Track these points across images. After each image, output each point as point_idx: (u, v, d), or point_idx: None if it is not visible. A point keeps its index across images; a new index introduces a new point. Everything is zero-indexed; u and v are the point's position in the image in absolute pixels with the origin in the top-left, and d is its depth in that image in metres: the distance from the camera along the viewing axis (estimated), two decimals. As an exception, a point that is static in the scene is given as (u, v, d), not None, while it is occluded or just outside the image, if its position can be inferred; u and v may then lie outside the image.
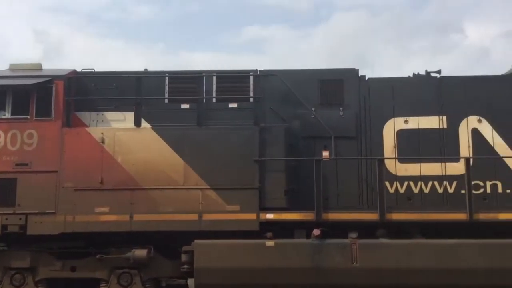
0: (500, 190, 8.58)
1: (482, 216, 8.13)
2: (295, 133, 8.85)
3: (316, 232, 8.10)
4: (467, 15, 29.47)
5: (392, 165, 8.77)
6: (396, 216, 8.26)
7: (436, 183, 8.68)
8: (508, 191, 8.56)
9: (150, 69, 9.40)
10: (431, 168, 8.71)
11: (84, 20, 31.53)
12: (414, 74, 9.36)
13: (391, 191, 8.70)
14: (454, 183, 8.56)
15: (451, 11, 28.86)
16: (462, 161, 8.47)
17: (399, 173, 8.75)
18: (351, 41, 28.85)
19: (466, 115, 8.81)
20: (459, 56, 26.93)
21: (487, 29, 28.71)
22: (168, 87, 9.06)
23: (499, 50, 26.43)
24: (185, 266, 8.21)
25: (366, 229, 8.25)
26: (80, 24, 31.66)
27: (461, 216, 8.14)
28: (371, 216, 8.27)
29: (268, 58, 29.42)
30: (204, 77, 9.04)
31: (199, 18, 31.38)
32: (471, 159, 8.43)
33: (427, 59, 27.38)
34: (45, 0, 30.85)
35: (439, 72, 9.32)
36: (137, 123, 8.70)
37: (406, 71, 34.69)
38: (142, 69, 9.35)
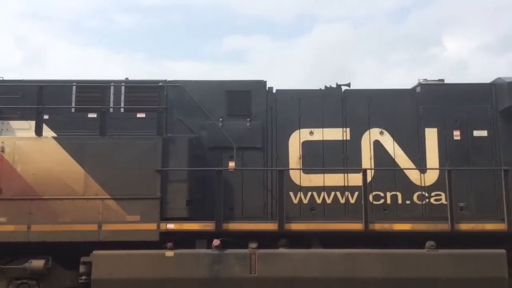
0: (400, 201, 8.82)
1: (378, 226, 8.33)
2: (201, 144, 8.91)
3: (215, 242, 8.15)
4: (446, 29, 30.28)
5: (297, 176, 8.91)
6: (295, 226, 8.38)
7: (338, 193, 8.86)
8: (408, 201, 8.81)
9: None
10: (334, 179, 8.89)
11: (66, 27, 31.04)
12: (326, 87, 9.57)
13: (295, 201, 8.84)
14: (356, 193, 8.75)
15: (431, 25, 29.63)
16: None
17: (303, 184, 8.90)
18: (333, 53, 29.23)
19: (369, 127, 9.05)
20: (438, 69, 27.62)
21: (465, 42, 29.58)
22: (76, 96, 9.01)
23: (477, 63, 27.28)
24: (83, 277, 8.13)
25: (272, 240, 8.37)
26: (61, 32, 31.15)
27: (358, 226, 8.32)
28: (271, 226, 8.37)
29: (250, 67, 29.49)
30: (112, 87, 9.02)
31: (182, 28, 31.26)
32: (369, 171, 8.65)
33: (406, 71, 27.93)
34: (26, 7, 30.10)
35: (348, 85, 9.56)
36: (38, 132, 8.59)
37: (386, 83, 35.68)
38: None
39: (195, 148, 8.75)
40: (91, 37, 31.41)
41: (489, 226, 8.33)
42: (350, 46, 29.89)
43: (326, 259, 8.13)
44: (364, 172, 8.48)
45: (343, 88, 9.48)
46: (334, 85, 9.48)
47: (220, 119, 9.01)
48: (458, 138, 8.98)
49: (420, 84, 9.28)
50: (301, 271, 8.07)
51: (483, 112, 9.07)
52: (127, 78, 9.26)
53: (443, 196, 8.66)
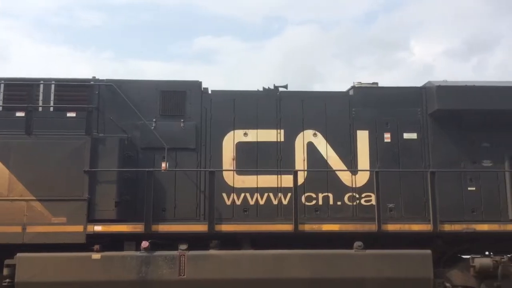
0: (331, 202, 8.92)
1: (307, 227, 8.41)
2: (134, 144, 8.80)
3: (144, 244, 8.05)
4: (413, 33, 30.89)
5: (230, 177, 8.90)
6: (226, 227, 8.38)
7: (271, 194, 8.89)
8: (339, 202, 8.92)
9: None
10: (268, 180, 8.91)
11: (30, 24, 30.09)
12: (264, 88, 9.59)
13: (228, 202, 8.83)
14: (289, 195, 8.79)
15: (398, 29, 30.19)
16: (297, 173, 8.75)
17: (237, 185, 8.89)
18: (302, 55, 29.39)
19: (303, 129, 9.12)
20: (405, 73, 28.17)
21: (431, 47, 30.23)
22: (4, 94, 8.75)
23: (442, 67, 27.91)
24: (7, 280, 7.90)
25: (204, 241, 8.34)
26: (25, 29, 30.16)
27: (288, 227, 8.37)
28: (201, 227, 8.34)
29: (219, 69, 29.32)
30: (42, 85, 8.80)
31: (150, 27, 30.72)
32: (301, 172, 8.73)
33: (373, 74, 28.31)
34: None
35: (285, 87, 9.61)
36: (-43, 131, 8.33)
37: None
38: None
39: (126, 149, 8.63)
40: (55, 35, 30.69)
41: (416, 227, 8.52)
42: (319, 48, 30.23)
43: (255, 260, 8.14)
44: (295, 173, 8.53)
45: (281, 89, 9.54)
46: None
47: (154, 120, 8.92)
48: (389, 140, 9.15)
49: (353, 87, 9.41)
50: (230, 272, 8.06)
51: (414, 115, 9.26)
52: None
53: (373, 197, 8.79)
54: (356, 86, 9.43)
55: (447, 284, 8.47)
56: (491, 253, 8.89)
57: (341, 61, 30.85)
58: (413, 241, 8.62)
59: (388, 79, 30.65)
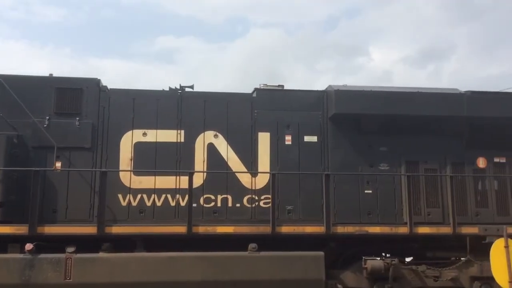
0: (230, 204, 8.86)
1: (202, 229, 8.32)
2: (24, 143, 8.44)
3: (28, 246, 7.72)
4: (372, 40, 31.43)
5: (127, 178, 8.69)
6: (117, 229, 8.16)
7: (169, 196, 8.75)
8: (238, 204, 8.87)
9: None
10: (165, 181, 8.76)
11: None
12: (170, 88, 9.44)
13: (124, 204, 8.61)
14: (187, 196, 8.67)
15: (359, 35, 30.63)
16: (196, 175, 8.64)
17: (133, 186, 8.68)
18: (266, 57, 29.30)
19: (204, 130, 9.03)
20: (365, 78, 28.66)
21: (389, 53, 30.86)
22: None
23: (400, 74, 28.50)
24: None
25: (97, 244, 8.09)
26: None
27: (182, 229, 8.25)
28: (91, 229, 8.09)
29: (180, 68, 28.70)
30: None
31: (111, 25, 29.71)
32: (200, 174, 8.65)
33: (334, 79, 28.47)
34: None
35: (192, 87, 9.50)
36: None
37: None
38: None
39: (15, 147, 8.26)
40: (12, 30, 29.31)
41: (309, 229, 8.58)
42: (283, 51, 30.36)
43: (145, 262, 7.97)
44: (191, 175, 8.41)
45: (187, 89, 9.42)
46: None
47: (47, 117, 8.60)
48: (290, 143, 9.20)
49: (256, 89, 9.40)
50: (119, 275, 7.85)
51: (315, 118, 9.34)
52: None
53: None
54: (260, 88, 9.44)
55: (339, 286, 8.57)
56: (386, 255, 9.10)
57: (304, 64, 31.14)
58: (312, 244, 8.69)
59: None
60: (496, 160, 9.51)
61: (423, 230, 8.78)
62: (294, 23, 31.36)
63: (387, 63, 30.15)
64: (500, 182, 9.50)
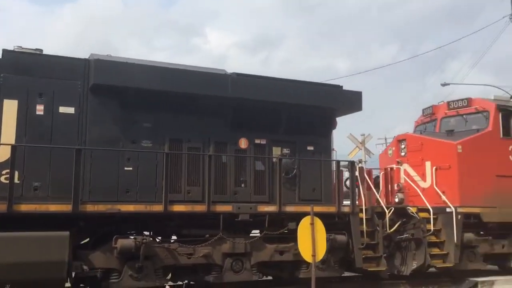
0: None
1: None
2: None
3: None
4: (209, 21, 30.01)
5: None
6: None
7: None
8: None
9: None
10: None
11: None
12: None
13: None
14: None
15: (196, 15, 28.95)
16: None
17: None
18: (100, 27, 25.93)
19: None
20: (201, 59, 27.35)
21: (225, 37, 29.88)
22: None
23: (234, 58, 27.73)
24: None
25: None
26: None
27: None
28: None
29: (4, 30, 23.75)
30: None
31: None
32: None
33: (170, 57, 26.48)
34: None
35: None
36: None
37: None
38: None
39: None
40: None
41: (53, 207, 7.91)
42: (117, 24, 27.79)
43: None
44: None
45: None
46: None
47: None
48: (41, 113, 8.38)
49: (4, 50, 8.33)
50: None
51: (74, 88, 8.63)
52: None
53: (16, 174, 7.94)
54: (9, 50, 8.39)
55: (85, 267, 8.13)
56: (145, 234, 8.90)
57: (139, 40, 29.27)
58: (66, 224, 8.03)
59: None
60: (257, 141, 9.91)
61: (178, 208, 8.74)
62: (133, -3, 29.59)
63: (223, 47, 30.36)
64: (261, 163, 9.94)
